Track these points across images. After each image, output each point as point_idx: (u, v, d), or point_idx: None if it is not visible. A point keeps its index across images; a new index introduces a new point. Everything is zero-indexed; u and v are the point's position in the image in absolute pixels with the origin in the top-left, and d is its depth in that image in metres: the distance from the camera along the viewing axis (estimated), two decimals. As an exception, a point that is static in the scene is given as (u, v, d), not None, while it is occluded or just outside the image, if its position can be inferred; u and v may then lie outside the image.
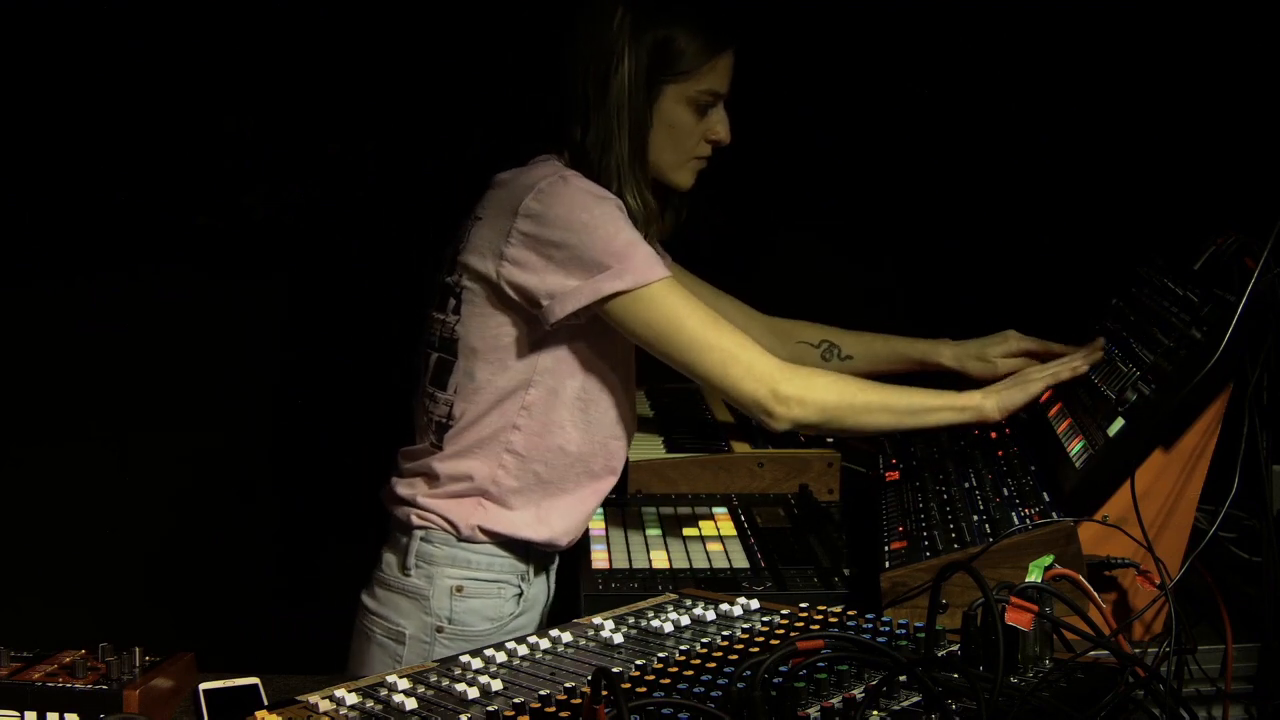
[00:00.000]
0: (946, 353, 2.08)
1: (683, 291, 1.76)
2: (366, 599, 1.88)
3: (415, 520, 1.84)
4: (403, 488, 1.88)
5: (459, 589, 1.83)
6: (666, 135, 1.81)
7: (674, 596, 1.61)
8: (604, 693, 1.06)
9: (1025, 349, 2.04)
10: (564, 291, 1.72)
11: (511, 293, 1.76)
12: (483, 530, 1.83)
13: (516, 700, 1.21)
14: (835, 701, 1.13)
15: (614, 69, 1.73)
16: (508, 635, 1.79)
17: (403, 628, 1.83)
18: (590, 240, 1.71)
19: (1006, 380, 1.88)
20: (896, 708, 1.14)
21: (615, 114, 1.75)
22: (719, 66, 1.80)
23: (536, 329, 1.78)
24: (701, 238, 2.06)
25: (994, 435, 1.99)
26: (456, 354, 1.83)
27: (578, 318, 1.75)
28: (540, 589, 1.93)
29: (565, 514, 1.87)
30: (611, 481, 1.92)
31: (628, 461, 2.04)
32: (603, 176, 1.77)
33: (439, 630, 1.82)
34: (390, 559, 1.87)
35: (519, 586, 1.88)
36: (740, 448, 2.18)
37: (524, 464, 1.83)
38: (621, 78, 1.74)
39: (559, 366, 1.82)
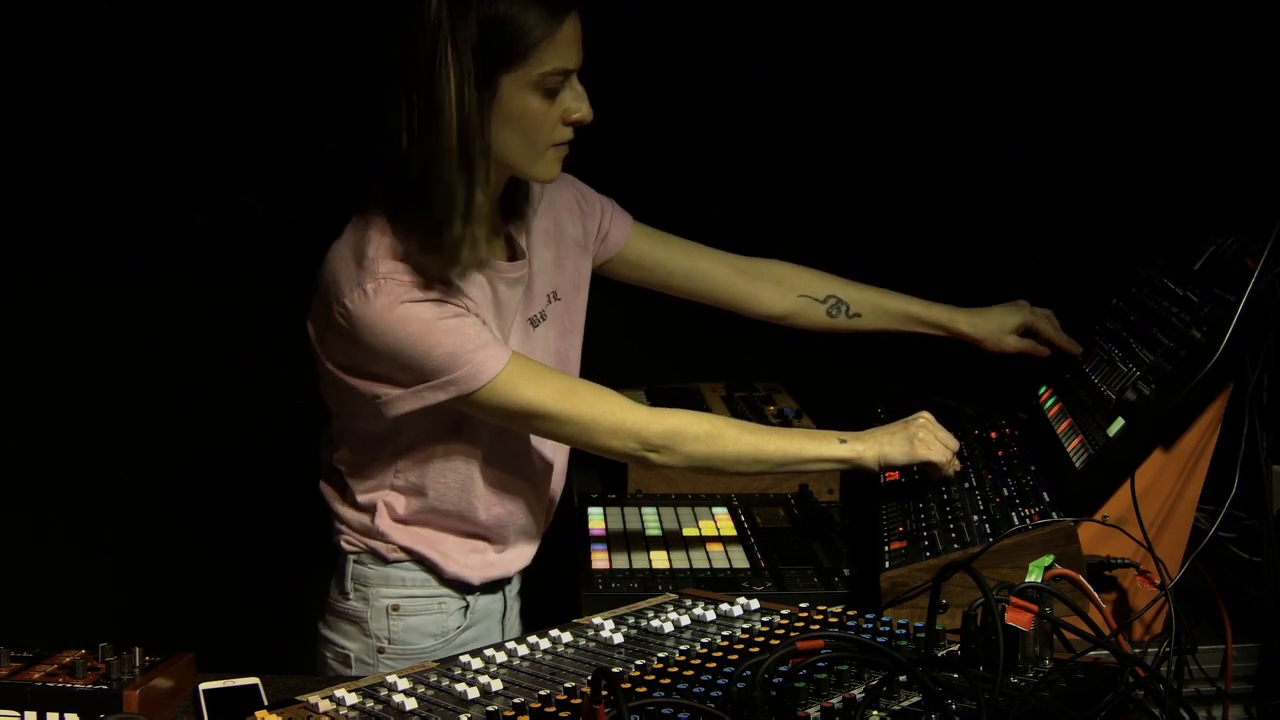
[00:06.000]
0: (963, 320, 2.06)
1: (527, 370, 1.63)
2: (320, 625, 1.84)
3: (345, 545, 1.80)
4: (333, 514, 1.83)
5: (395, 608, 1.78)
6: (514, 129, 1.57)
7: (674, 597, 1.61)
8: (604, 693, 1.06)
9: (1032, 325, 2.05)
10: (390, 396, 1.61)
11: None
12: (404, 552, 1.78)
13: (516, 700, 1.21)
14: (835, 701, 1.13)
15: (438, 69, 1.48)
16: (458, 649, 1.75)
17: (348, 650, 1.79)
18: (406, 360, 1.58)
19: (899, 428, 1.77)
20: (896, 708, 1.14)
21: (444, 123, 1.51)
22: (561, 39, 1.52)
23: None
24: (704, 237, 2.06)
25: (994, 435, 1.99)
26: (327, 407, 1.76)
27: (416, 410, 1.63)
28: (493, 601, 1.86)
29: (461, 561, 1.79)
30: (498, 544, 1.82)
31: (627, 463, 2.03)
32: (427, 200, 1.55)
33: (380, 651, 1.78)
34: (332, 584, 1.83)
35: (464, 599, 1.82)
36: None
37: (406, 528, 1.77)
38: (447, 78, 1.49)
39: (423, 435, 1.71)
